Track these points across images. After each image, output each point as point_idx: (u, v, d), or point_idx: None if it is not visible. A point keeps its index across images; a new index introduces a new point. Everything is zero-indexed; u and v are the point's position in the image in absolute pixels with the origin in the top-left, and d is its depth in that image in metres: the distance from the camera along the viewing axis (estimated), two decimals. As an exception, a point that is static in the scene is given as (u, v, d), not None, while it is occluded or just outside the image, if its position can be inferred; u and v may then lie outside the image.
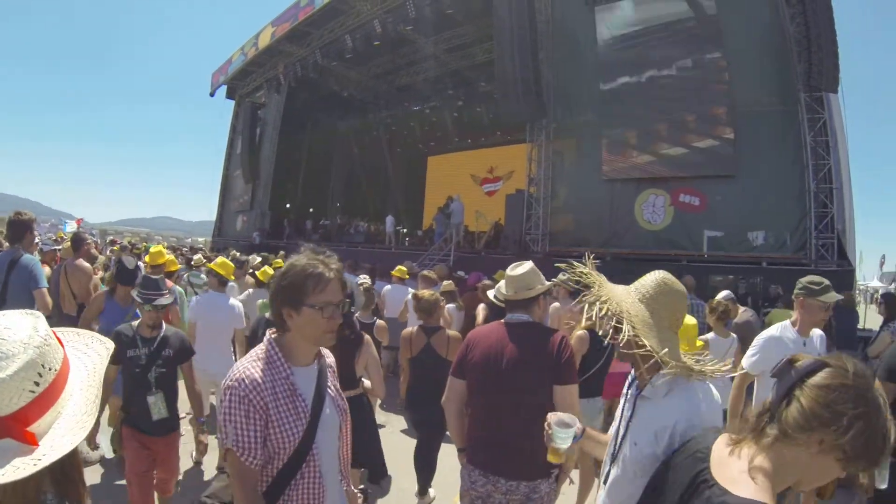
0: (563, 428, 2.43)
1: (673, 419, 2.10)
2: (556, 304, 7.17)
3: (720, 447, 1.69)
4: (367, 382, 4.46)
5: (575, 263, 2.51)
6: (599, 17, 15.59)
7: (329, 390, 2.32)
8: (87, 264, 6.89)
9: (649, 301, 2.30)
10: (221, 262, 6.46)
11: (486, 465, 3.33)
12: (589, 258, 2.57)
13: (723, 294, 7.49)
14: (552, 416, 2.48)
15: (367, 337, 4.52)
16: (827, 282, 3.98)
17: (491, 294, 5.68)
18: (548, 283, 3.60)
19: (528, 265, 3.55)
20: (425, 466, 5.64)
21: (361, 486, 4.74)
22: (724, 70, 13.71)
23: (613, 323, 2.24)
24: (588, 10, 15.74)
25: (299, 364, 2.21)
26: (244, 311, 7.03)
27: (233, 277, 6.63)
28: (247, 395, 2.00)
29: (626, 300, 2.32)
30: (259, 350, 2.18)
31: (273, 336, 2.21)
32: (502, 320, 3.53)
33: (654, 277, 2.39)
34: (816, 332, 3.84)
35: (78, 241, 7.30)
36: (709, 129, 13.93)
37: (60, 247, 7.91)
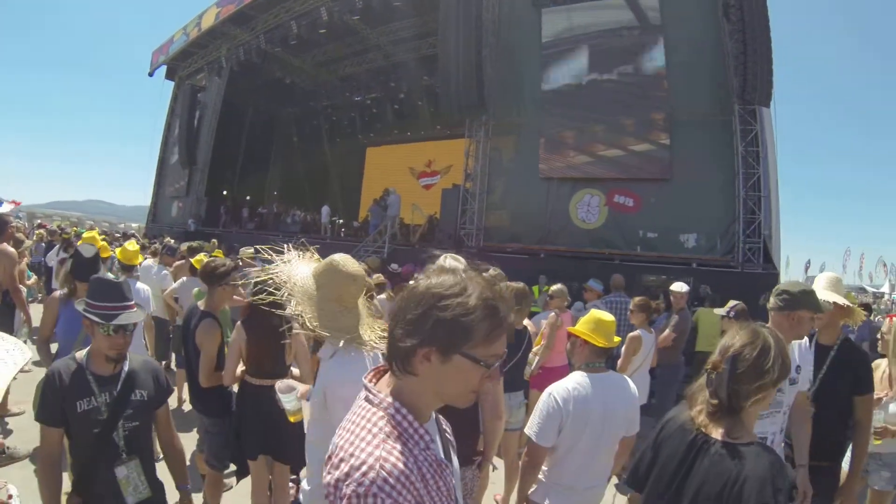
0: (286, 393, 3.28)
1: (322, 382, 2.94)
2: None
3: (701, 418, 2.21)
4: (296, 371, 4.41)
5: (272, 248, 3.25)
6: (545, 19, 15.79)
7: (453, 455, 1.70)
8: (11, 249, 6.57)
9: (318, 277, 3.00)
10: (121, 249, 6.53)
11: None
12: (290, 247, 3.28)
13: (678, 286, 7.85)
14: (279, 384, 3.24)
15: (296, 325, 4.48)
16: (809, 287, 3.81)
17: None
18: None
19: (457, 263, 3.52)
20: None
21: (293, 477, 4.74)
22: (664, 78, 14.02)
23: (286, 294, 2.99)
24: (535, 11, 15.92)
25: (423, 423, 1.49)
26: (179, 298, 7.05)
27: (137, 261, 6.62)
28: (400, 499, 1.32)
29: (301, 276, 3.03)
30: (374, 417, 1.44)
31: (390, 392, 1.48)
32: None
33: (329, 258, 3.03)
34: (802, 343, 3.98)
35: (1, 223, 6.97)
36: (646, 133, 14.24)
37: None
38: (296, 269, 3.08)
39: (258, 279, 3.24)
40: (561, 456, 3.25)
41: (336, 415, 2.80)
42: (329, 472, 1.39)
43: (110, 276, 3.04)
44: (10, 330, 6.50)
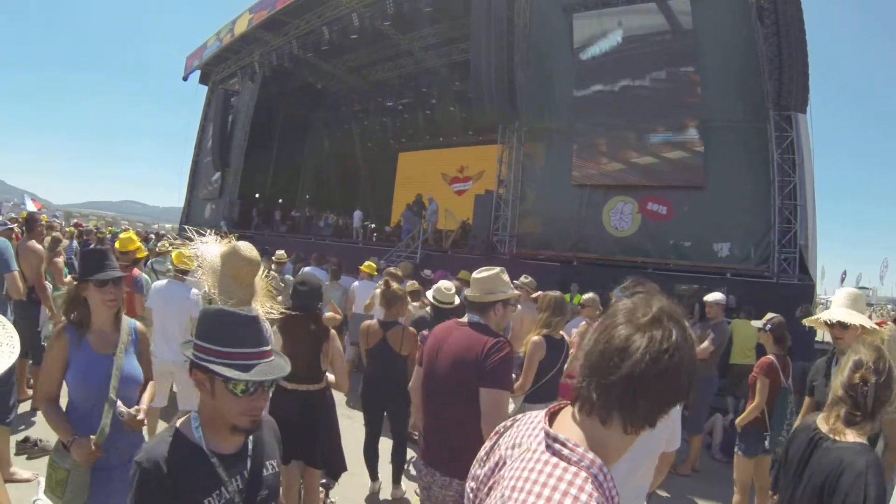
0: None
1: None
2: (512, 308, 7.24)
3: (821, 422, 2.69)
4: (331, 377, 4.42)
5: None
6: (577, 24, 15.66)
7: None
8: (38, 246, 6.75)
9: (222, 257, 3.59)
10: (177, 254, 6.36)
11: (426, 456, 3.41)
12: (210, 231, 4.00)
13: (714, 296, 7.75)
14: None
15: (332, 331, 4.48)
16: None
17: (430, 294, 5.75)
18: (511, 291, 3.61)
19: (493, 270, 3.58)
20: (395, 457, 5.80)
21: (323, 481, 4.76)
22: (697, 84, 13.84)
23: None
24: (566, 17, 15.82)
25: None
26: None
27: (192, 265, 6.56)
28: None
29: (210, 255, 3.68)
30: (577, 480, 1.19)
31: (588, 446, 1.26)
32: (459, 319, 3.57)
33: (233, 244, 3.70)
34: None
35: (31, 221, 7.14)
36: (679, 140, 14.09)
37: (15, 226, 7.77)
38: (209, 249, 3.74)
39: (173, 251, 4.61)
40: None
41: None
42: None
43: (222, 306, 2.18)
44: (37, 324, 6.80)
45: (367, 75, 28.08)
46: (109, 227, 23.68)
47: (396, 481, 5.80)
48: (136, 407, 3.19)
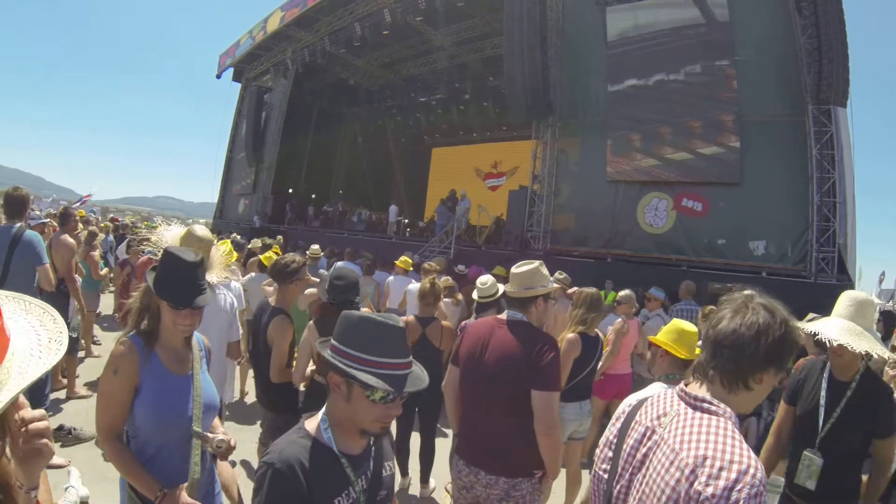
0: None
1: None
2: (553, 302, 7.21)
3: None
4: None
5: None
6: (610, 18, 15.51)
7: None
8: (71, 240, 6.97)
9: (180, 238, 4.12)
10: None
11: (468, 456, 3.41)
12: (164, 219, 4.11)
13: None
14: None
15: None
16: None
17: (474, 294, 5.75)
18: (551, 285, 3.58)
19: (533, 265, 3.59)
20: (424, 455, 5.79)
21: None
22: (733, 78, 13.61)
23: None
24: (599, 10, 15.67)
25: None
26: (246, 295, 7.19)
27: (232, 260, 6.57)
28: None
29: (169, 237, 4.19)
30: (727, 426, 1.68)
31: (727, 404, 1.75)
32: (498, 315, 3.55)
33: (188, 227, 4.36)
34: None
35: (65, 216, 7.37)
36: (714, 135, 13.83)
37: (48, 220, 7.97)
38: (168, 232, 4.27)
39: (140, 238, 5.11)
40: None
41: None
42: (708, 482, 1.53)
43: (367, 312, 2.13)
44: (66, 317, 6.86)
45: (399, 71, 28.15)
46: (145, 222, 23.92)
47: (425, 480, 5.81)
48: (225, 433, 2.77)
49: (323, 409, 1.99)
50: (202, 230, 4.43)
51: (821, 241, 12.22)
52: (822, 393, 3.45)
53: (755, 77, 13.38)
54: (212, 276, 4.25)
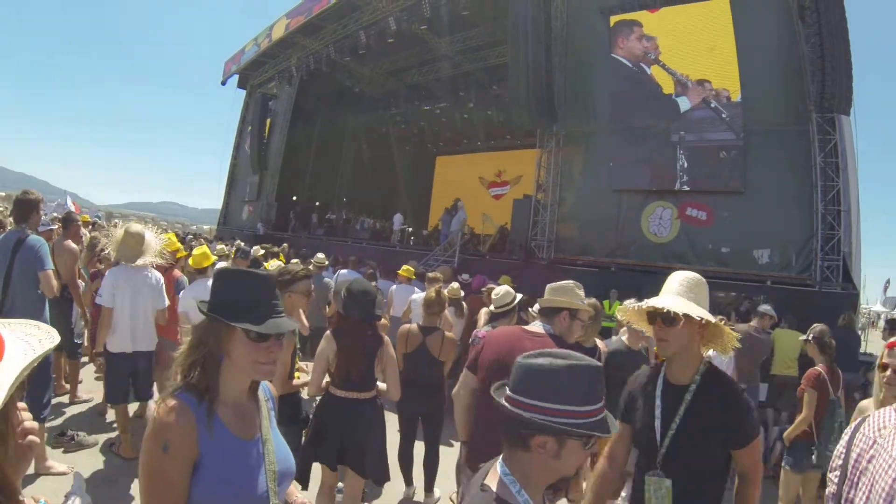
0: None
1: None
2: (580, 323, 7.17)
3: None
4: (382, 385, 4.38)
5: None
6: (614, 27, 15.53)
7: None
8: (74, 245, 6.91)
9: (122, 234, 5.57)
10: (194, 255, 6.74)
11: (477, 467, 3.35)
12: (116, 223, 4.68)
13: (765, 307, 7.65)
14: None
15: (386, 338, 4.41)
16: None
17: (491, 306, 5.73)
18: (580, 304, 3.59)
19: (568, 282, 3.67)
20: (428, 464, 5.76)
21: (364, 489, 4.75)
22: (737, 86, 13.63)
23: None
24: (603, 19, 15.69)
25: None
26: None
27: (208, 262, 6.68)
28: None
29: (117, 234, 5.82)
30: None
31: None
32: (524, 326, 3.56)
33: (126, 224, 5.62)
34: None
35: (68, 221, 7.37)
36: (719, 143, 13.86)
37: (56, 226, 7.97)
38: (116, 231, 5.97)
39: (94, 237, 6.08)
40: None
41: (118, 302, 5.71)
42: None
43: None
44: (70, 321, 7.09)
45: (404, 79, 28.19)
46: (157, 230, 23.85)
47: (429, 488, 5.78)
48: (305, 501, 2.40)
49: (501, 467, 1.71)
50: (136, 226, 5.97)
51: (825, 250, 12.22)
52: (657, 402, 2.78)
53: (759, 85, 13.38)
54: (146, 259, 5.79)
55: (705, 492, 2.67)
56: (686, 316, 2.53)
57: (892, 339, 3.48)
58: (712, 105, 13.89)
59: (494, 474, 1.72)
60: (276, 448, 2.07)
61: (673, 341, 2.66)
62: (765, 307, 8.14)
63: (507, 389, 1.70)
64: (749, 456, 2.60)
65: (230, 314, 1.88)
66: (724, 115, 13.77)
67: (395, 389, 4.41)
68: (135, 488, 5.13)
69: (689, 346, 2.66)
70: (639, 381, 3.02)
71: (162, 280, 6.06)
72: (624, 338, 5.19)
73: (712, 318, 2.61)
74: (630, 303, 7.31)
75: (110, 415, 6.61)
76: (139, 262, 5.75)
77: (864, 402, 3.96)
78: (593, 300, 5.36)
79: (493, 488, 1.69)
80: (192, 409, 1.86)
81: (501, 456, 1.73)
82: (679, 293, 2.68)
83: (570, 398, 1.60)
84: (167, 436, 1.82)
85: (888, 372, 3.29)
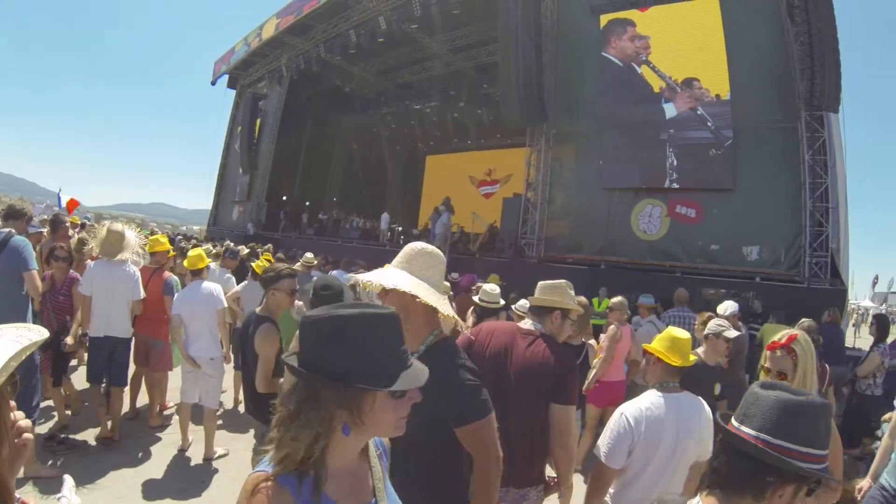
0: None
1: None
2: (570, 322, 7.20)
3: None
4: None
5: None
6: (608, 25, 15.57)
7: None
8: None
9: (105, 232, 5.90)
10: (189, 256, 6.78)
11: None
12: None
13: (729, 307, 7.52)
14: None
15: None
16: None
17: (479, 297, 5.71)
18: (572, 304, 3.58)
19: (560, 281, 3.64)
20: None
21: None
22: (727, 84, 13.67)
23: None
24: (593, 17, 15.71)
25: None
26: (240, 303, 7.30)
27: (203, 264, 6.73)
28: None
29: (101, 233, 6.07)
30: None
31: None
32: (519, 324, 3.53)
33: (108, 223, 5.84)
34: None
35: (55, 222, 7.36)
36: (708, 141, 13.91)
37: (45, 229, 7.94)
38: (100, 231, 6.11)
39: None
40: (629, 479, 3.16)
41: (96, 291, 6.10)
42: None
43: None
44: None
45: (394, 78, 28.22)
46: (139, 229, 23.68)
47: None
48: None
49: None
50: (117, 225, 6.43)
51: (814, 246, 12.27)
52: None
53: (748, 83, 13.44)
54: (124, 255, 6.22)
55: (440, 472, 2.55)
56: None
57: (773, 340, 3.49)
58: (699, 112, 13.94)
59: None
60: None
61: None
62: (725, 305, 7.94)
63: (746, 426, 1.59)
64: (470, 438, 2.44)
65: (369, 376, 1.44)
66: (709, 124, 13.80)
67: None
68: (125, 490, 5.15)
69: (409, 316, 2.44)
70: None
71: (138, 274, 6.41)
72: (701, 352, 5.05)
73: (404, 289, 2.38)
74: (617, 301, 7.36)
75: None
76: (119, 257, 6.20)
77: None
78: (582, 298, 5.37)
79: None
80: (293, 492, 1.44)
81: (699, 499, 1.67)
82: (395, 265, 2.56)
83: (823, 442, 1.53)
84: None
85: (769, 378, 3.37)
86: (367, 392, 1.44)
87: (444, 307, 2.46)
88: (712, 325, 5.11)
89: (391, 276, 2.44)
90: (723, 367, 5.28)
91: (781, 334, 3.51)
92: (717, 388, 4.80)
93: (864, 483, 4.05)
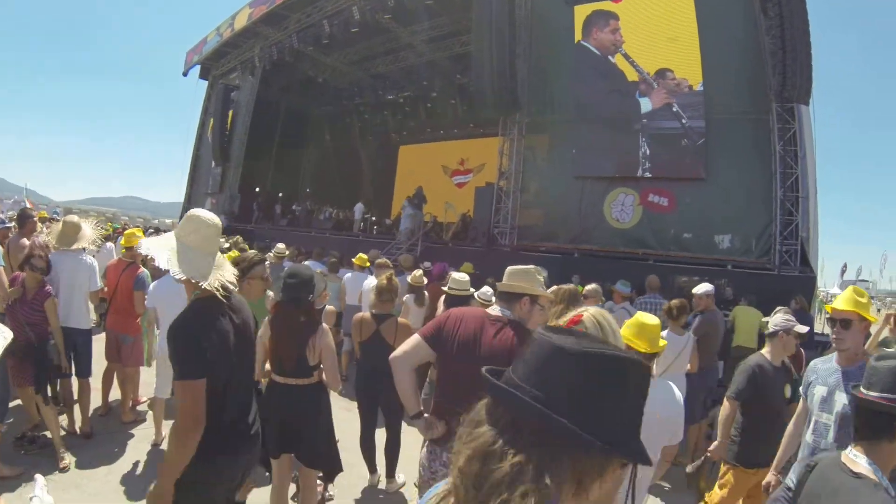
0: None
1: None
2: (539, 308, 7.24)
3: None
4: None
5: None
6: (578, 16, 15.59)
7: None
8: (27, 242, 6.86)
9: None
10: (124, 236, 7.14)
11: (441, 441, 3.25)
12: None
13: (704, 287, 7.66)
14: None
15: (324, 325, 4.29)
16: None
17: (448, 286, 5.71)
18: (541, 290, 3.54)
19: (529, 266, 3.57)
20: (389, 450, 5.76)
21: (320, 475, 4.69)
22: (699, 75, 13.78)
23: None
24: (567, 8, 15.74)
25: None
26: None
27: (136, 242, 6.78)
28: None
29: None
30: None
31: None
32: (488, 310, 3.49)
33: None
34: None
35: (23, 217, 7.25)
36: (680, 131, 14.01)
37: (13, 224, 7.81)
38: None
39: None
40: None
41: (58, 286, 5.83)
42: None
43: None
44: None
45: (368, 69, 28.03)
46: (110, 223, 23.46)
47: (391, 474, 5.78)
48: None
49: (861, 458, 2.22)
50: (72, 217, 6.59)
51: (784, 235, 12.46)
52: None
53: (721, 75, 13.55)
54: (80, 244, 6.22)
55: None
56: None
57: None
58: (674, 109, 14.02)
59: (853, 463, 2.21)
60: None
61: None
62: (701, 286, 8.02)
63: (872, 391, 2.21)
64: (178, 393, 2.69)
65: (634, 442, 1.05)
66: (684, 121, 13.89)
67: (334, 380, 4.32)
68: (98, 487, 5.11)
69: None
70: None
71: (96, 265, 6.45)
72: (766, 354, 4.83)
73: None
74: (591, 288, 7.41)
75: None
76: (75, 246, 6.22)
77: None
78: (571, 286, 5.38)
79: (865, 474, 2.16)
80: None
81: (852, 449, 2.25)
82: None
83: None
84: None
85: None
86: (613, 461, 1.02)
87: (172, 265, 2.68)
88: (779, 319, 4.70)
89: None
90: (790, 368, 4.78)
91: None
92: (788, 391, 4.56)
93: (769, 477, 4.00)
